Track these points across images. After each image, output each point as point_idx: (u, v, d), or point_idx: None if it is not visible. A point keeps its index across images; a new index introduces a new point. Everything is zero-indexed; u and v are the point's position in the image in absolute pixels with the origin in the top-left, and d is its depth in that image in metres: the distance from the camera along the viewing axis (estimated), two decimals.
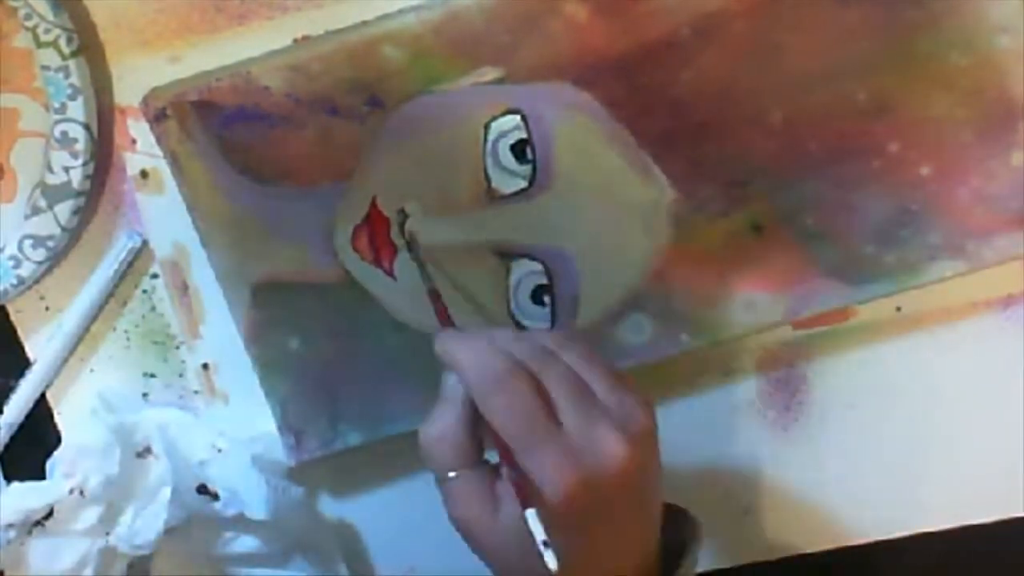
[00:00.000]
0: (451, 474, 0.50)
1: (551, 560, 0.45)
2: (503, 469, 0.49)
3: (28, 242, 0.62)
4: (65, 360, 0.65)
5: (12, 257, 0.62)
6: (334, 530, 0.66)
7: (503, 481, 0.49)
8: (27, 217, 0.62)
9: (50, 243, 0.62)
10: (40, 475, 0.65)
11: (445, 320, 0.55)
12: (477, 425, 0.50)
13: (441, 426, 0.50)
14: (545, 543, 0.45)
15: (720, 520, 0.65)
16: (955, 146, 0.58)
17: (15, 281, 0.62)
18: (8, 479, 0.65)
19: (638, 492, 0.49)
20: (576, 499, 0.47)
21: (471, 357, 0.49)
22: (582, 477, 0.47)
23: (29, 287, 0.63)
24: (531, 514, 0.46)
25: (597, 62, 0.57)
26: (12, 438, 0.66)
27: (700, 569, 0.62)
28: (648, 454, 0.50)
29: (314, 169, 0.60)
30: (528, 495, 0.47)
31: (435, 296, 0.56)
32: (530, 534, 0.46)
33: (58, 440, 0.66)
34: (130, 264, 0.64)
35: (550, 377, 0.49)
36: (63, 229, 0.62)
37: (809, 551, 0.65)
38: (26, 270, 0.62)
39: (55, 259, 0.63)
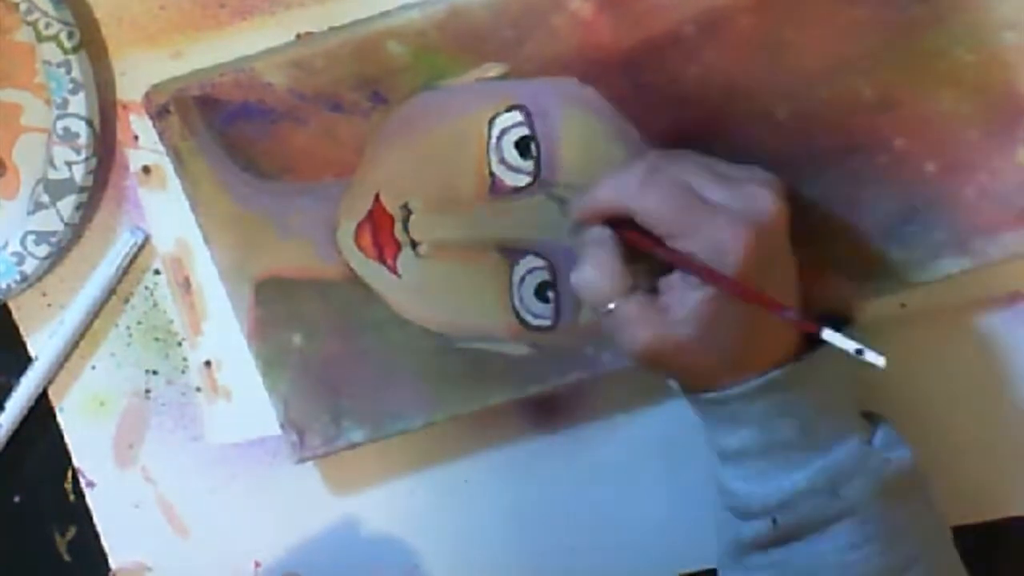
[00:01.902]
0: (611, 305, 0.53)
1: (877, 359, 0.49)
2: (672, 274, 0.53)
3: (31, 238, 0.62)
4: (67, 357, 0.65)
5: (15, 253, 0.62)
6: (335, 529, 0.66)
7: (661, 295, 0.53)
8: (30, 213, 0.62)
9: (53, 239, 0.62)
10: (41, 474, 0.65)
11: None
12: (623, 262, 0.53)
13: (596, 262, 0.53)
14: (859, 351, 0.49)
15: None
16: (961, 142, 0.57)
17: (18, 277, 0.62)
18: (8, 478, 0.65)
19: (787, 236, 0.54)
20: (753, 252, 0.51)
21: (610, 185, 0.53)
22: (751, 232, 0.51)
23: (33, 283, 0.63)
24: (829, 333, 0.50)
25: (602, 58, 0.57)
26: (13, 436, 0.66)
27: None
28: (784, 201, 0.53)
29: (317, 165, 0.60)
30: (713, 274, 0.51)
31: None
32: (838, 349, 0.50)
33: (60, 437, 0.66)
34: (132, 260, 0.64)
35: (681, 171, 0.52)
36: (66, 225, 0.61)
37: None
38: (29, 266, 0.62)
39: (58, 255, 0.63)
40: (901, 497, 0.54)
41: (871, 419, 0.56)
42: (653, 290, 0.53)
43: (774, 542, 0.54)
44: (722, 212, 0.51)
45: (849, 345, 0.49)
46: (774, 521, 0.53)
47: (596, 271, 0.53)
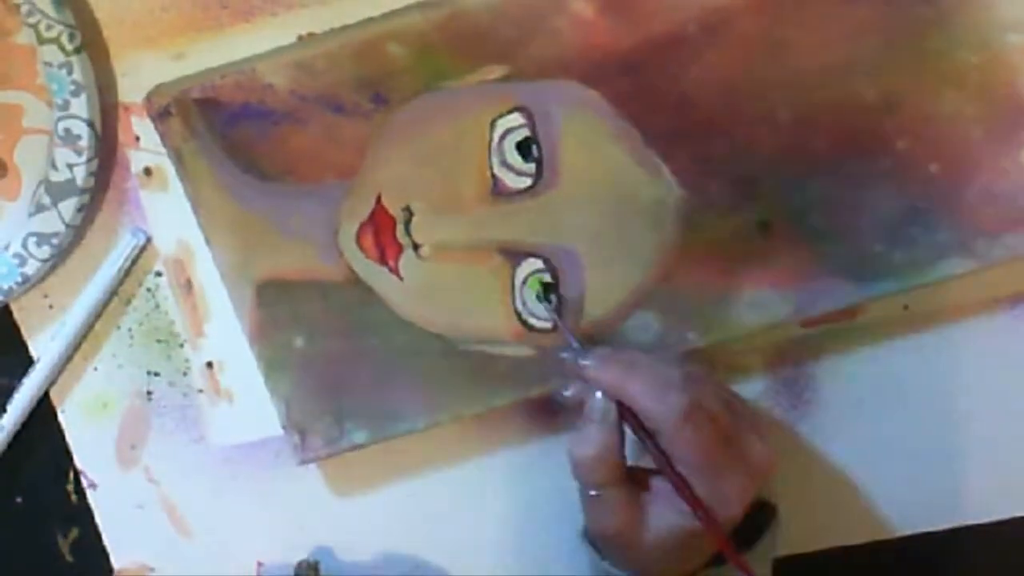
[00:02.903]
0: (594, 492, 0.55)
1: None
2: (658, 480, 0.54)
3: (32, 240, 0.62)
4: (68, 359, 0.65)
5: (17, 255, 0.62)
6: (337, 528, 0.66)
7: (647, 493, 0.55)
8: (31, 215, 0.62)
9: (54, 240, 0.62)
10: (43, 475, 0.65)
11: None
12: (623, 445, 0.55)
13: (596, 446, 0.54)
14: None
15: None
16: (964, 144, 0.57)
17: (20, 279, 0.62)
18: (11, 480, 0.65)
19: None
20: (747, 506, 0.54)
21: (652, 394, 0.53)
22: (751, 482, 0.54)
23: (34, 285, 0.63)
24: None
25: (603, 59, 0.57)
26: (15, 438, 0.66)
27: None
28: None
29: (318, 167, 0.60)
30: (704, 510, 0.53)
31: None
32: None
33: (62, 439, 0.66)
34: (134, 262, 0.64)
35: (713, 409, 0.54)
36: (67, 226, 0.61)
37: (815, 549, 0.65)
38: (31, 268, 0.62)
39: (60, 257, 0.62)
40: None
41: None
42: (634, 477, 0.55)
43: None
44: (738, 466, 0.53)
45: None
46: None
47: (597, 455, 0.54)
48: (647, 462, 0.55)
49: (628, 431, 0.55)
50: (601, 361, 0.55)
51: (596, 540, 0.57)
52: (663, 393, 0.53)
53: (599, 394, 0.55)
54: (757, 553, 0.57)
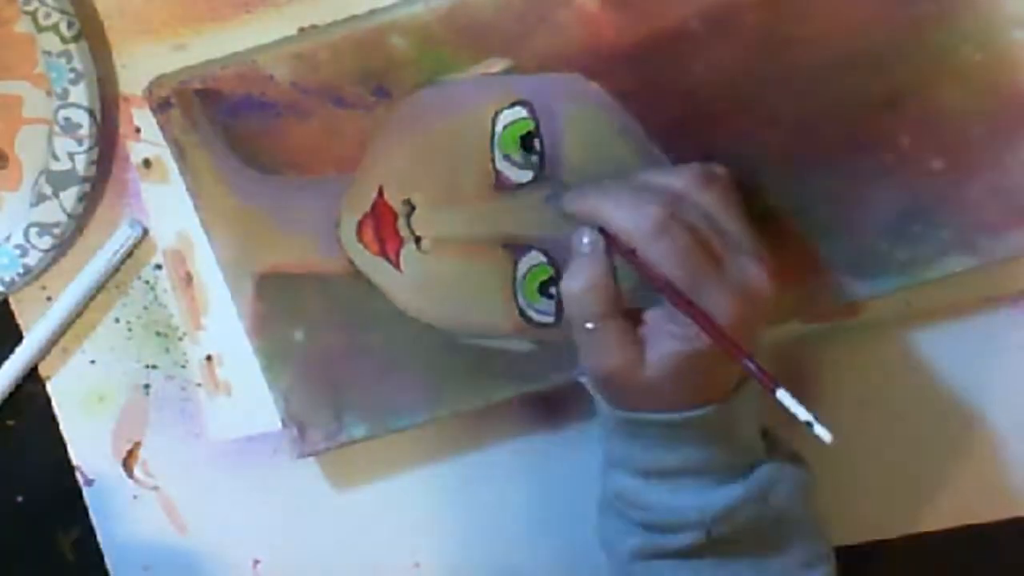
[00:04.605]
0: (590, 325, 0.53)
1: (824, 434, 0.49)
2: (658, 309, 0.54)
3: (34, 230, 0.61)
4: (54, 343, 0.64)
5: (18, 246, 0.62)
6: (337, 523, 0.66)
7: (642, 327, 0.54)
8: (32, 205, 0.61)
9: (56, 230, 0.61)
10: (43, 473, 0.65)
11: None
12: (614, 275, 0.54)
13: (588, 277, 0.53)
14: (809, 423, 0.49)
15: None
16: (967, 140, 0.57)
17: (21, 270, 0.62)
18: (10, 480, 0.64)
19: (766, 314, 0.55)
20: (740, 323, 0.52)
21: (625, 210, 0.53)
22: (744, 301, 0.52)
23: (36, 276, 0.63)
24: (784, 395, 0.50)
25: (607, 53, 0.57)
26: (12, 433, 0.65)
27: None
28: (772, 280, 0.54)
29: (319, 159, 0.60)
30: (704, 322, 0.51)
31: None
32: (785, 411, 0.50)
33: (57, 432, 0.65)
34: (130, 254, 0.63)
35: (693, 222, 0.53)
36: (69, 216, 0.61)
37: None
38: (32, 258, 0.62)
39: (61, 247, 0.62)
40: (812, 501, 0.58)
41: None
42: (628, 311, 0.54)
43: (700, 552, 0.56)
44: (723, 281, 0.52)
45: (801, 414, 0.50)
46: (708, 533, 0.55)
47: (588, 287, 0.54)
48: None
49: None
50: (578, 193, 0.55)
51: (597, 384, 0.56)
52: (636, 207, 0.53)
53: (586, 228, 0.54)
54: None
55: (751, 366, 0.51)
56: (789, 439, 0.58)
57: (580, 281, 0.54)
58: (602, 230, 0.54)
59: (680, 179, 0.54)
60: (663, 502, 0.56)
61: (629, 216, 0.53)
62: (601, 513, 0.59)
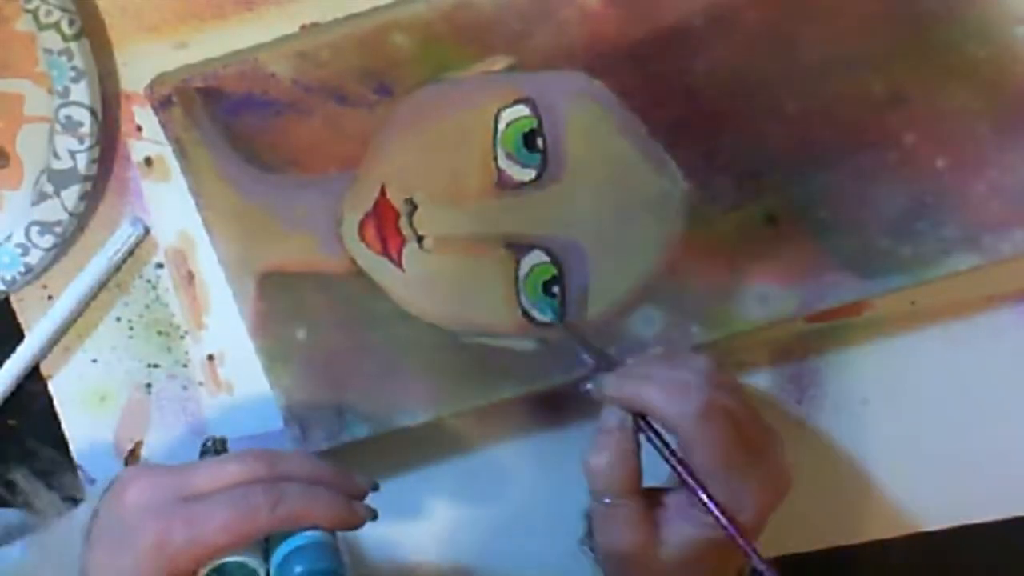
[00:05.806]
0: (608, 500, 0.54)
1: None
2: (677, 491, 0.54)
3: (35, 229, 0.61)
4: (55, 342, 0.64)
5: (20, 245, 0.62)
6: None
7: (661, 508, 0.54)
8: (34, 204, 0.61)
9: (57, 229, 0.61)
10: (43, 469, 0.65)
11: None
12: (639, 455, 0.54)
13: (610, 455, 0.53)
14: None
15: None
16: (972, 138, 0.57)
17: (23, 269, 0.62)
18: (12, 473, 0.65)
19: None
20: (765, 515, 0.53)
21: (668, 394, 0.53)
22: (772, 493, 0.53)
23: (38, 275, 0.63)
24: None
25: (610, 51, 0.57)
26: (15, 431, 0.65)
27: None
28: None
29: (321, 158, 0.59)
30: (723, 510, 0.52)
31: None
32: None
33: (59, 430, 0.65)
34: (131, 252, 0.63)
35: (733, 409, 0.53)
36: (70, 215, 0.61)
37: (818, 547, 0.65)
38: (34, 257, 0.62)
39: (62, 246, 0.62)
40: None
41: None
42: (647, 493, 0.54)
43: None
44: (755, 473, 0.53)
45: None
46: None
47: (612, 464, 0.53)
48: None
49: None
50: (619, 379, 0.55)
51: (608, 560, 0.56)
52: (681, 393, 0.53)
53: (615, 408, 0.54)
54: None
55: (762, 566, 0.51)
56: None
57: (605, 457, 0.53)
58: (634, 412, 0.54)
59: (709, 360, 0.55)
60: None
61: (674, 401, 0.53)
62: None
